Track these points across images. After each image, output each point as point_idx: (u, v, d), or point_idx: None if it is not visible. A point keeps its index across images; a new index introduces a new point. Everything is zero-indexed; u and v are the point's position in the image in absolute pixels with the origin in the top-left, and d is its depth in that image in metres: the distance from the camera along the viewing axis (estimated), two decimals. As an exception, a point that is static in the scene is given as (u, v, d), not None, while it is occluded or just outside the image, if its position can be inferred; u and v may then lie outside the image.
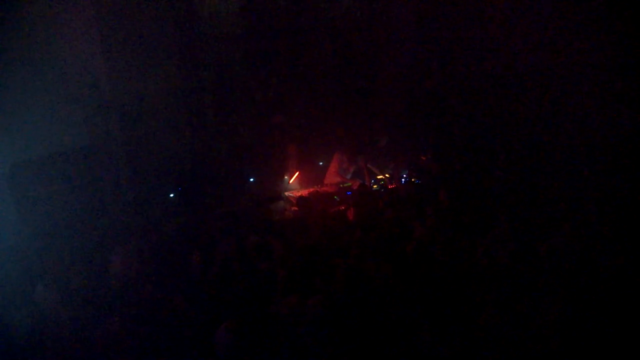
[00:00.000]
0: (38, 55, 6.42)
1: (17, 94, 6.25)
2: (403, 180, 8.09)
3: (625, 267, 3.98)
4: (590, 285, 3.76)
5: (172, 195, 7.48)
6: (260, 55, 8.34)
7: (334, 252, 4.86)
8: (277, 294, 4.19)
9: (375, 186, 7.87)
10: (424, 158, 8.15)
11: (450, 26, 8.45)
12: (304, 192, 7.53)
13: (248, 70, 8.34)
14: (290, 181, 8.25)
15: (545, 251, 4.24)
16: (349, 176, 8.19)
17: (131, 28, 7.14)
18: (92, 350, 3.77)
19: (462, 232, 5.03)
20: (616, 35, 6.59)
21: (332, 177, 8.16)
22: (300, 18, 8.43)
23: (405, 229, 5.26)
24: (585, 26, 6.83)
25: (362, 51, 8.83)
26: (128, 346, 3.76)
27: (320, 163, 8.61)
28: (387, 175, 8.16)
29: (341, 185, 7.79)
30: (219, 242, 5.46)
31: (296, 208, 7.06)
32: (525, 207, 5.53)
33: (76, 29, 6.72)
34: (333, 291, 4.01)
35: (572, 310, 3.53)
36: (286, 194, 7.70)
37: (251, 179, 8.13)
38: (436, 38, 8.68)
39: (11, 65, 6.20)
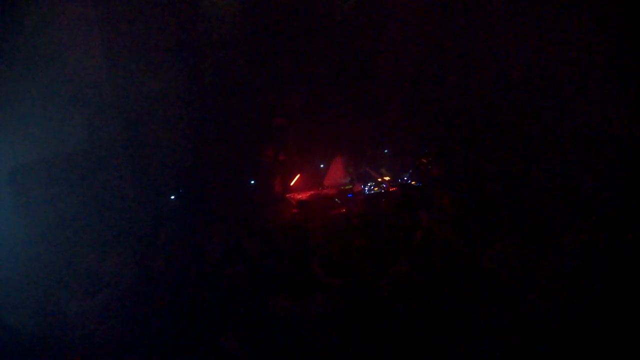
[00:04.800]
0: (39, 57, 6.40)
1: (18, 96, 6.24)
2: (403, 183, 8.07)
3: (628, 269, 3.97)
4: (592, 287, 3.75)
5: (172, 197, 7.47)
6: (261, 57, 8.33)
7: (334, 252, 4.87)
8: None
9: (375, 189, 7.87)
10: (424, 161, 8.12)
11: (452, 27, 8.44)
12: (305, 195, 7.56)
13: (249, 72, 8.33)
14: (292, 183, 8.26)
15: (551, 254, 4.22)
16: (349, 178, 8.20)
17: (132, 30, 7.13)
18: (92, 350, 3.77)
19: (465, 237, 5.00)
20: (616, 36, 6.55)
21: (333, 180, 8.19)
22: (301, 19, 8.42)
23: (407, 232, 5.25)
24: (586, 26, 6.81)
25: (363, 53, 8.82)
26: (129, 347, 3.76)
27: (322, 165, 8.61)
28: (386, 177, 8.15)
29: (342, 188, 7.82)
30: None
31: (296, 210, 7.08)
32: (529, 210, 5.50)
33: (77, 31, 6.70)
34: (337, 290, 4.02)
35: (574, 312, 3.52)
36: (287, 196, 7.73)
37: (252, 182, 8.13)
38: (438, 39, 8.66)
39: (12, 68, 6.18)
